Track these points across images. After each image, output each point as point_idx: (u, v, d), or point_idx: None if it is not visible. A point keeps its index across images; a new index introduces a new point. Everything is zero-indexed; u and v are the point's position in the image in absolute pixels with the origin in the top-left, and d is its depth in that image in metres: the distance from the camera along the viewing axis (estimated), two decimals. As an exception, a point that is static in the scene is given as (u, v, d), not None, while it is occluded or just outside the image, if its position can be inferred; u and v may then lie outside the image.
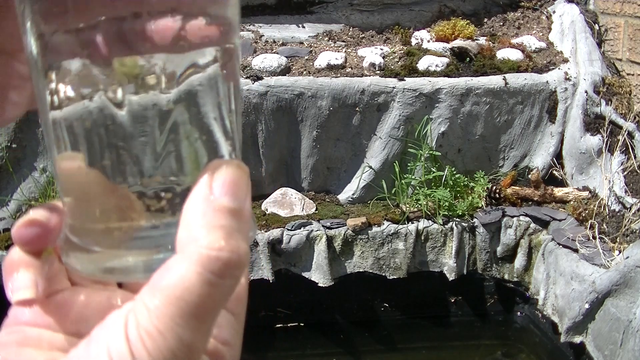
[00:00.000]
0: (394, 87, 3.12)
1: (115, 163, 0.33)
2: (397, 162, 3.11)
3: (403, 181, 3.05)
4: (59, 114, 0.33)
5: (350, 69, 3.28)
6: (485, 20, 3.89)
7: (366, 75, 3.19)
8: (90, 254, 0.34)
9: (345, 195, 3.22)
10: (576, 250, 2.63)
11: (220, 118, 0.34)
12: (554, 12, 3.80)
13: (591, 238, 2.69)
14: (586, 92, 3.17)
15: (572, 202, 3.01)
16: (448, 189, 3.00)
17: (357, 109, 3.13)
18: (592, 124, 3.14)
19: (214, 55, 0.33)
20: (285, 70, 3.24)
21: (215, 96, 0.34)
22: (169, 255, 0.32)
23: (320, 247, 2.85)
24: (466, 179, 3.13)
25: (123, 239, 0.34)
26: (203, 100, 0.33)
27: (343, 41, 3.69)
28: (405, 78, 3.17)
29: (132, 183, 0.33)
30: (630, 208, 2.80)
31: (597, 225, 2.72)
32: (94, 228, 0.34)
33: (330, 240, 2.87)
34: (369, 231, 2.91)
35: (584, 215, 2.86)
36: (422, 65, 3.25)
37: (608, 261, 2.50)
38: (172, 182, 0.34)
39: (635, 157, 3.03)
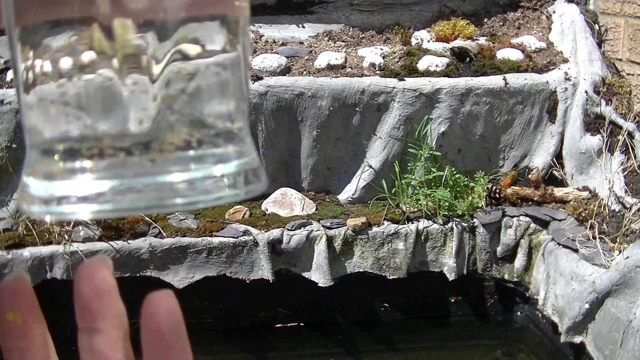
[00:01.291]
0: (394, 87, 3.12)
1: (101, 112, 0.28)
2: (397, 162, 3.11)
3: (403, 181, 3.05)
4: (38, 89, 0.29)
5: (350, 69, 3.27)
6: (485, 20, 3.89)
7: (366, 75, 3.19)
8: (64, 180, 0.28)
9: (345, 195, 3.22)
10: (576, 250, 2.63)
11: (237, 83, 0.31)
12: (554, 12, 3.80)
13: (591, 238, 2.69)
14: (586, 92, 3.17)
15: (572, 202, 3.01)
16: (448, 189, 3.00)
17: (357, 109, 3.13)
18: (592, 124, 3.14)
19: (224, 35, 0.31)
20: (285, 70, 3.24)
21: (225, 75, 0.31)
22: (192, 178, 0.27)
23: (320, 247, 2.85)
24: (466, 179, 3.13)
25: (112, 162, 0.27)
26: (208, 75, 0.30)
27: (343, 41, 3.68)
28: (405, 78, 3.17)
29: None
30: (630, 208, 2.80)
31: (597, 225, 2.72)
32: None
33: (330, 240, 2.87)
34: (369, 231, 2.91)
35: (584, 215, 2.86)
36: (422, 65, 3.25)
37: (608, 261, 2.50)
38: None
39: (635, 157, 3.03)
